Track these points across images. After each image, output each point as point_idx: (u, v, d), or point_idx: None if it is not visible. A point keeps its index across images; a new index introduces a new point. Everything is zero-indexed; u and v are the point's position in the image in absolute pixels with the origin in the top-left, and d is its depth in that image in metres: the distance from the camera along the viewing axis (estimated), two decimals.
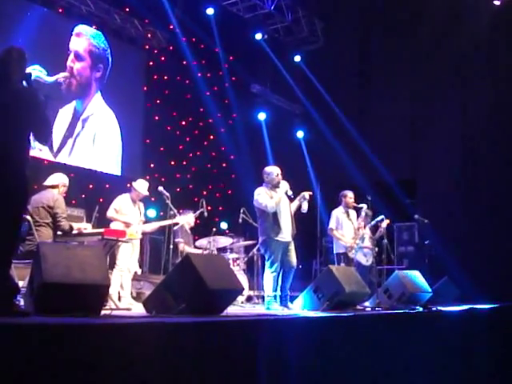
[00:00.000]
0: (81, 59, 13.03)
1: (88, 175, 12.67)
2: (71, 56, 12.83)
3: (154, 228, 9.51)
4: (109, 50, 13.71)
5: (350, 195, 10.26)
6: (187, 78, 15.11)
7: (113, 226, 8.65)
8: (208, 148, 15.85)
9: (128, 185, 9.70)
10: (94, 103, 13.27)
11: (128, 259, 8.77)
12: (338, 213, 10.22)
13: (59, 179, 7.70)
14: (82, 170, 12.54)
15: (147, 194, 9.16)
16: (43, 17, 12.33)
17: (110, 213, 8.92)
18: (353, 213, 10.27)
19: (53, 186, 7.59)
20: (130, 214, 8.93)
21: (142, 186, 9.13)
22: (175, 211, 9.35)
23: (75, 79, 12.83)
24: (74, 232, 7.40)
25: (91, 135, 13.07)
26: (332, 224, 10.15)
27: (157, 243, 11.85)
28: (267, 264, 8.43)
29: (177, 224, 9.83)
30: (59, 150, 12.39)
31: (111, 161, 13.59)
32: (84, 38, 13.19)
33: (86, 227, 7.72)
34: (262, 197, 8.49)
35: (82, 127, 12.93)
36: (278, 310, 8.03)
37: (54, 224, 7.26)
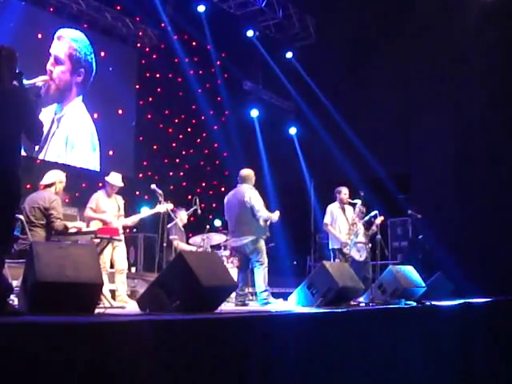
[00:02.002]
0: (61, 63, 12.91)
1: (81, 174, 12.64)
2: (51, 59, 12.71)
3: (135, 221, 9.29)
4: (93, 55, 13.62)
5: (344, 191, 10.29)
6: (179, 76, 15.13)
7: (92, 225, 8.51)
8: (201, 145, 15.89)
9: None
10: (71, 106, 13.14)
11: (109, 257, 8.64)
12: (333, 208, 10.24)
13: (55, 177, 7.59)
14: (75, 169, 12.52)
15: (122, 185, 8.97)
16: (26, 16, 12.20)
17: (87, 212, 8.73)
18: (349, 209, 10.27)
19: (49, 185, 7.53)
20: (107, 210, 8.75)
21: (115, 178, 8.94)
22: (169, 209, 9.31)
23: (54, 83, 12.70)
24: (73, 230, 7.37)
25: (65, 136, 12.93)
26: (327, 219, 10.18)
27: (151, 241, 11.85)
28: (260, 261, 8.60)
29: (171, 220, 9.80)
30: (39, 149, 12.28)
31: (94, 159, 13.60)
32: (65, 42, 13.08)
33: (81, 226, 7.68)
34: (259, 203, 8.72)
35: (58, 127, 12.80)
36: (276, 302, 8.11)
37: (48, 224, 7.22)
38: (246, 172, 9.04)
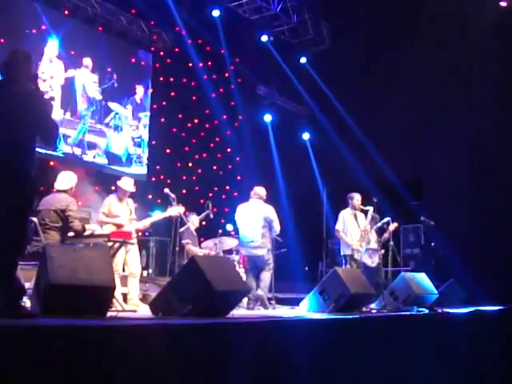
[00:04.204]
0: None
1: (94, 176, 12.65)
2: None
3: (147, 225, 9.26)
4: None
5: (357, 197, 10.25)
6: (193, 80, 15.14)
7: (105, 229, 8.48)
8: (214, 150, 15.87)
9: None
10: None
11: (122, 260, 8.60)
12: (345, 214, 10.20)
13: (71, 182, 7.64)
14: (88, 172, 12.52)
15: (133, 190, 8.96)
16: (41, 19, 12.22)
17: (100, 217, 8.69)
18: (360, 215, 10.23)
19: (65, 190, 7.55)
20: (120, 214, 8.69)
21: (126, 183, 8.89)
22: (181, 212, 9.30)
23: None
24: (87, 233, 7.38)
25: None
26: (339, 225, 10.14)
27: (163, 245, 11.85)
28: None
29: (184, 224, 9.80)
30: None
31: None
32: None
33: (96, 229, 7.69)
34: (277, 219, 9.45)
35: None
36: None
37: (67, 225, 7.23)
38: (263, 190, 9.62)
